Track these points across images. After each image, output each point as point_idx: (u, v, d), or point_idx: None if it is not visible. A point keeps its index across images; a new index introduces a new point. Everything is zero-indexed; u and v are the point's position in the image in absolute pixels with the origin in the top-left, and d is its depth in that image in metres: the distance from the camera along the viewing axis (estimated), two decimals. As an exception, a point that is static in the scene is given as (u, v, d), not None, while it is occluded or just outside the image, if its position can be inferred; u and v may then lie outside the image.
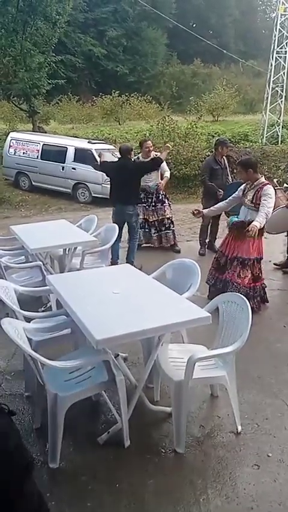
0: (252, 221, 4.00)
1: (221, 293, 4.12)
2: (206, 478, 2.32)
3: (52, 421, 2.37)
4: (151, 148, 6.13)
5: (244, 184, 4.35)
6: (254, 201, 4.13)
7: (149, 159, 5.85)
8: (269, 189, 4.10)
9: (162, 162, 5.55)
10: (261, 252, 4.30)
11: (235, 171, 4.42)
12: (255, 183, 4.18)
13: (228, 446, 2.56)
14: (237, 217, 4.35)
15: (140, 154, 6.23)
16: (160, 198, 6.36)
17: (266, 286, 4.57)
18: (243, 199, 4.26)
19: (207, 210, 4.66)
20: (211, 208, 4.69)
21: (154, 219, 6.40)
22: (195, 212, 4.45)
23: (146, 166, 5.67)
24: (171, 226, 6.49)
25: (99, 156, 6.15)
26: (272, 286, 5.04)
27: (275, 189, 5.02)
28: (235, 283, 4.21)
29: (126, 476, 2.34)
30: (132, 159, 5.60)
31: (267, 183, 4.18)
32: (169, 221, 6.46)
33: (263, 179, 4.21)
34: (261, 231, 4.22)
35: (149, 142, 6.25)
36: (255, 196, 4.13)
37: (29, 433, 2.67)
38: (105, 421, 2.76)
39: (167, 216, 6.43)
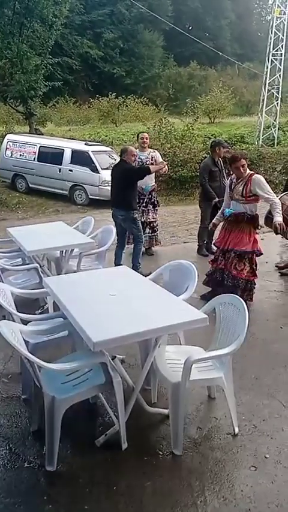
0: (246, 213, 4.20)
1: (220, 284, 4.29)
2: (203, 480, 2.32)
3: (49, 423, 2.37)
4: (146, 141, 6.12)
5: (229, 180, 4.38)
6: (243, 194, 4.16)
7: (143, 153, 5.89)
8: (260, 178, 4.17)
9: (149, 173, 5.40)
10: (258, 247, 4.31)
11: (231, 172, 4.43)
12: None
13: (226, 448, 2.56)
14: (233, 210, 4.34)
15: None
16: (153, 200, 6.30)
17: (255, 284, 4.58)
18: (232, 194, 4.28)
19: (217, 220, 4.70)
20: (216, 217, 4.71)
21: (143, 220, 6.33)
22: (211, 227, 4.88)
23: (131, 173, 5.33)
24: (157, 229, 6.48)
25: None
26: (269, 287, 5.05)
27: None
28: (231, 275, 4.27)
29: (123, 479, 2.34)
30: (131, 161, 5.31)
31: (253, 173, 4.24)
32: (156, 224, 6.43)
33: (248, 170, 4.26)
34: (254, 225, 4.27)
35: (145, 134, 6.28)
36: (244, 189, 4.16)
37: (26, 435, 2.66)
38: (102, 424, 2.75)
39: (154, 220, 6.36)
